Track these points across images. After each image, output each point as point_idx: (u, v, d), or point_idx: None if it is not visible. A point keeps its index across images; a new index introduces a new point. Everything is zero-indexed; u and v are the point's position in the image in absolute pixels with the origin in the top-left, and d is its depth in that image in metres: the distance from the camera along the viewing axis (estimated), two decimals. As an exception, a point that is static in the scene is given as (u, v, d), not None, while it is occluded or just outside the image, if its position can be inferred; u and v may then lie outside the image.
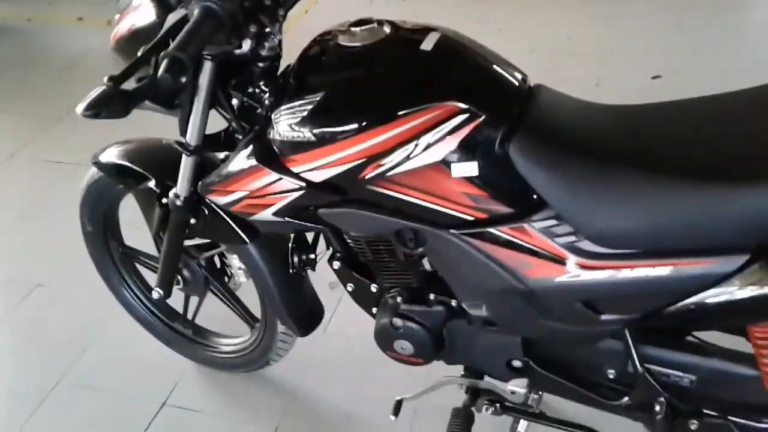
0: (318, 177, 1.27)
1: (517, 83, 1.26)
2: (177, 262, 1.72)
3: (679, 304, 1.15)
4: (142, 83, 1.29)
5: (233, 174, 1.35)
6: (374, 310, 1.55)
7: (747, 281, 1.08)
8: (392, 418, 1.60)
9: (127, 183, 1.68)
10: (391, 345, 1.50)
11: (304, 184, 1.29)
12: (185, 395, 1.99)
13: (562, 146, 1.19)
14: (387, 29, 1.27)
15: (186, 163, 1.50)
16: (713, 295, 1.12)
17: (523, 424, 1.56)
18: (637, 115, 1.24)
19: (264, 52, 1.32)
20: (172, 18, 1.21)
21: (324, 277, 1.68)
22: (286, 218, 1.36)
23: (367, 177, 1.24)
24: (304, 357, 1.98)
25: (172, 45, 1.09)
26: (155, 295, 1.75)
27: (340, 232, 1.47)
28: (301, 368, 2.00)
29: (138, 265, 2.03)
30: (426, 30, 1.28)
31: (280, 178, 1.29)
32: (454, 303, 1.42)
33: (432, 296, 1.44)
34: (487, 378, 1.54)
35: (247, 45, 1.29)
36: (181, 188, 1.53)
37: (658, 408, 1.31)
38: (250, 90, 1.37)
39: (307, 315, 1.73)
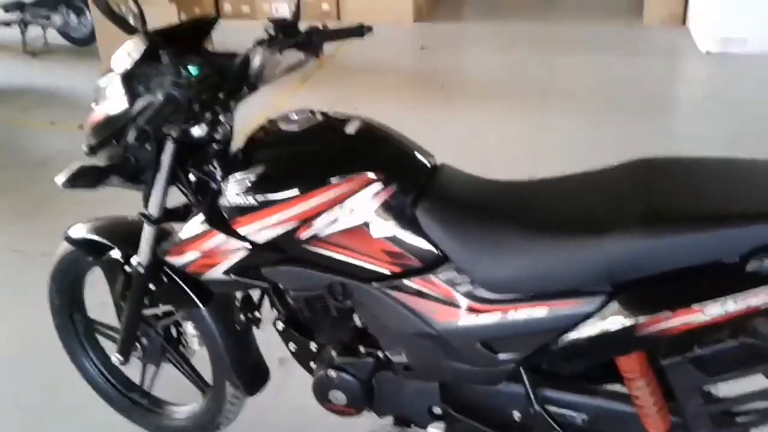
0: (260, 238, 1.51)
1: (424, 160, 1.53)
2: (136, 327, 1.90)
3: (558, 341, 1.38)
4: (109, 165, 1.55)
5: (188, 237, 1.58)
6: (311, 367, 1.74)
7: (605, 317, 1.32)
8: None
9: (94, 254, 1.88)
10: (326, 396, 1.68)
11: (249, 245, 1.52)
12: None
13: (460, 211, 1.45)
14: (319, 117, 1.55)
15: (147, 233, 1.71)
16: (581, 332, 1.35)
17: None
18: (520, 188, 1.51)
19: (218, 136, 1.58)
20: (140, 103, 1.47)
21: (268, 341, 1.87)
22: (234, 276, 1.58)
23: (301, 237, 1.48)
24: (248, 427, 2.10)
25: (140, 119, 1.34)
26: (114, 360, 1.93)
27: (281, 293, 1.70)
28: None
29: (99, 338, 2.19)
30: (350, 118, 1.56)
31: (228, 240, 1.52)
32: (381, 354, 1.63)
33: (362, 349, 1.64)
34: (414, 428, 1.72)
35: (203, 129, 1.55)
36: (142, 256, 1.74)
37: None
38: (205, 168, 1.62)
39: (253, 374, 1.90)
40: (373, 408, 1.70)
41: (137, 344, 1.95)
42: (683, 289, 1.26)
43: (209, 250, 1.56)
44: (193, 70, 1.47)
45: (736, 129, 3.99)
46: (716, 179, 1.38)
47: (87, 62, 5.78)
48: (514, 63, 5.34)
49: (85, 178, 1.52)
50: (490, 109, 4.44)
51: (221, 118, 1.56)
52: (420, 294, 1.46)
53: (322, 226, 1.46)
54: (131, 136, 1.32)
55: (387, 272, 1.47)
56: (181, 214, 1.72)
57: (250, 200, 1.48)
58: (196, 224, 1.57)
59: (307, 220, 1.46)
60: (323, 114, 1.57)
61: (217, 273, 1.58)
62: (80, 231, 1.91)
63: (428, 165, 1.53)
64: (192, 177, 1.63)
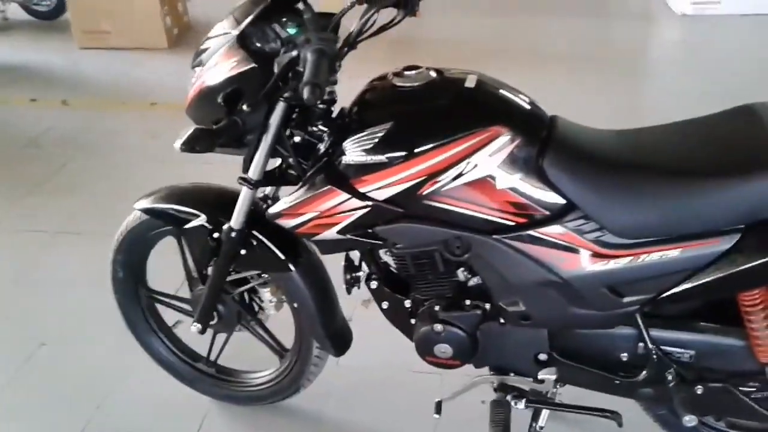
0: (382, 195, 1.50)
1: (541, 112, 1.56)
2: (220, 295, 1.88)
3: (689, 280, 1.44)
4: (222, 125, 1.52)
5: (305, 198, 1.56)
6: (410, 323, 1.75)
7: (742, 253, 1.38)
8: (435, 416, 1.78)
9: (175, 223, 1.84)
10: (431, 350, 1.70)
11: (369, 203, 1.51)
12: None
13: (587, 159, 1.48)
14: (433, 73, 1.55)
15: (245, 197, 1.69)
16: (715, 270, 1.41)
17: (543, 415, 1.77)
18: (637, 135, 1.55)
19: (326, 97, 1.57)
20: (279, 61, 1.45)
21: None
22: (349, 236, 1.57)
23: (424, 193, 1.49)
24: (318, 388, 2.10)
25: (307, 76, 1.31)
26: (193, 329, 1.91)
27: (374, 252, 1.70)
28: (316, 398, 2.12)
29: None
30: (465, 73, 1.56)
31: (350, 198, 1.52)
32: (487, 306, 1.66)
33: (468, 302, 1.67)
34: (512, 376, 1.76)
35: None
36: (236, 221, 1.72)
37: (670, 378, 1.57)
38: (310, 129, 1.60)
39: (341, 335, 1.91)
40: (474, 359, 1.73)
41: (213, 313, 1.93)
42: None
43: (327, 210, 1.55)
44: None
45: (713, 84, 4.13)
46: None
47: (55, 36, 5.54)
48: (491, 26, 5.37)
49: (202, 142, 1.49)
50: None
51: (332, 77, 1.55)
52: (545, 243, 1.48)
53: (446, 180, 1.47)
54: (307, 93, 1.29)
55: (511, 223, 1.49)
56: (277, 178, 1.70)
57: (379, 158, 1.48)
58: (313, 184, 1.55)
59: (432, 176, 1.47)
60: (436, 70, 1.56)
61: (331, 233, 1.57)
62: (158, 200, 1.87)
63: (546, 117, 1.55)
64: (297, 139, 1.61)
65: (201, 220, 1.80)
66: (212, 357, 2.10)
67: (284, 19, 1.57)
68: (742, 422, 1.73)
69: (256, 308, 1.99)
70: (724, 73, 4.34)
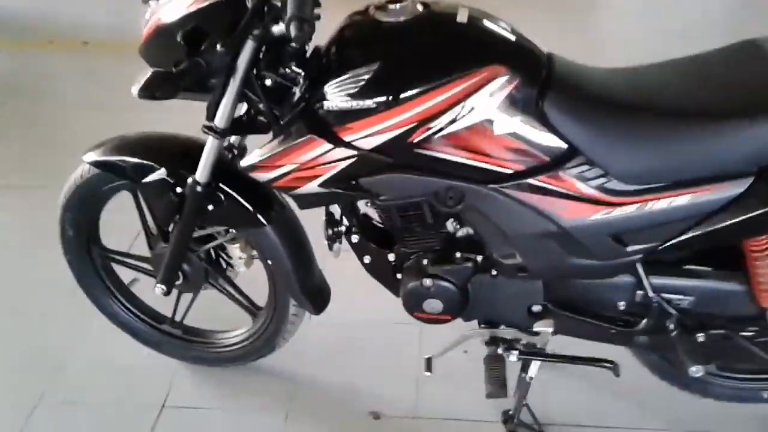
0: (369, 144, 1.36)
1: (539, 51, 1.43)
2: (185, 254, 1.73)
3: (696, 228, 1.37)
4: (184, 67, 1.34)
5: (282, 149, 1.41)
6: (393, 277, 1.65)
7: (756, 198, 1.31)
8: (426, 374, 1.71)
9: (132, 177, 1.66)
10: (420, 306, 1.60)
11: (355, 153, 1.37)
12: (183, 394, 1.97)
13: (589, 100, 1.37)
14: (420, 6, 1.39)
15: (211, 147, 1.52)
16: (726, 215, 1.34)
17: (535, 365, 1.71)
18: (639, 73, 1.45)
19: (300, 34, 1.39)
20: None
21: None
22: (331, 189, 1.44)
23: (415, 140, 1.36)
24: (292, 346, 2.00)
25: (292, 10, 1.15)
26: (157, 290, 1.76)
27: (356, 206, 1.58)
28: (290, 357, 2.02)
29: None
30: (454, 6, 1.41)
31: (333, 148, 1.37)
32: (479, 258, 1.56)
33: (458, 255, 1.57)
34: (503, 328, 1.68)
35: (283, 26, 1.36)
36: (201, 174, 1.56)
37: (671, 326, 1.52)
38: (282, 71, 1.44)
39: (319, 292, 1.79)
40: (464, 313, 1.65)
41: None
42: None
43: (308, 162, 1.40)
44: None
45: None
46: None
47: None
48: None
49: (163, 87, 1.31)
50: None
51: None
52: (545, 192, 1.38)
53: (439, 127, 1.34)
54: (294, 29, 1.12)
55: (509, 171, 1.38)
56: (245, 126, 1.54)
57: (365, 103, 1.33)
58: (291, 133, 1.40)
59: (424, 122, 1.34)
60: (422, 3, 1.41)
61: (312, 186, 1.43)
62: (110, 151, 1.68)
63: (544, 55, 1.43)
64: (268, 82, 1.44)
65: (161, 173, 1.62)
66: (177, 318, 1.96)
67: None
68: (738, 366, 1.72)
69: (224, 265, 1.85)
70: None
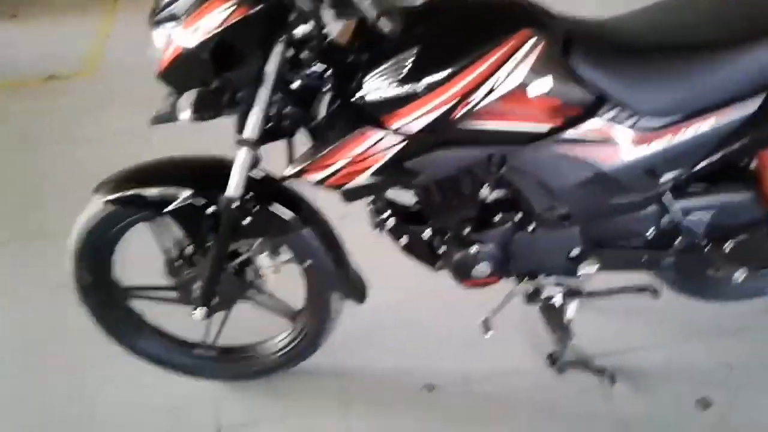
0: (417, 127, 1.40)
1: (551, 12, 1.50)
2: (221, 272, 1.71)
3: (719, 149, 1.49)
4: (220, 83, 1.33)
5: (332, 147, 1.42)
6: (431, 253, 1.70)
7: (765, 116, 1.44)
8: (487, 336, 1.77)
9: (157, 207, 1.62)
10: (469, 273, 1.67)
11: (403, 137, 1.41)
12: (235, 414, 1.94)
13: (609, 49, 1.46)
14: None
15: (244, 160, 1.51)
16: (742, 134, 1.48)
17: (572, 308, 1.81)
18: (646, 15, 1.55)
19: (320, 32, 1.40)
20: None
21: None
22: (381, 177, 1.46)
23: (457, 116, 1.40)
24: (332, 340, 2.01)
25: (373, 5, 1.15)
26: (198, 315, 1.74)
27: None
28: (332, 351, 2.00)
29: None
30: None
31: (384, 136, 1.40)
32: (517, 217, 1.63)
33: (497, 217, 1.63)
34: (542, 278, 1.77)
35: (309, 26, 1.37)
36: (235, 189, 1.54)
37: (703, 242, 1.65)
38: (308, 71, 1.44)
39: (360, 281, 1.82)
40: (507, 271, 1.72)
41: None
42: None
43: (361, 154, 1.42)
44: None
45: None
46: None
47: None
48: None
49: (210, 106, 1.30)
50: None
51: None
52: (584, 141, 1.47)
53: (479, 99, 1.39)
54: (388, 23, 1.13)
55: (547, 128, 1.45)
56: (273, 133, 1.52)
57: (414, 87, 1.36)
58: (339, 129, 1.41)
59: (465, 96, 1.38)
60: None
61: (365, 177, 1.45)
62: (123, 186, 1.63)
63: (557, 13, 1.50)
64: (295, 84, 1.44)
65: (188, 197, 1.59)
66: (211, 339, 1.93)
67: None
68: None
69: (253, 277, 1.84)
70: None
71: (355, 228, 1.80)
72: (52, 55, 3.81)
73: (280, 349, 1.95)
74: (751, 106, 1.46)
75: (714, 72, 1.43)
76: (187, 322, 1.83)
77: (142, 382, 2.01)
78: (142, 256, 1.76)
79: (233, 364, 1.99)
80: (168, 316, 1.90)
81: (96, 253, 1.76)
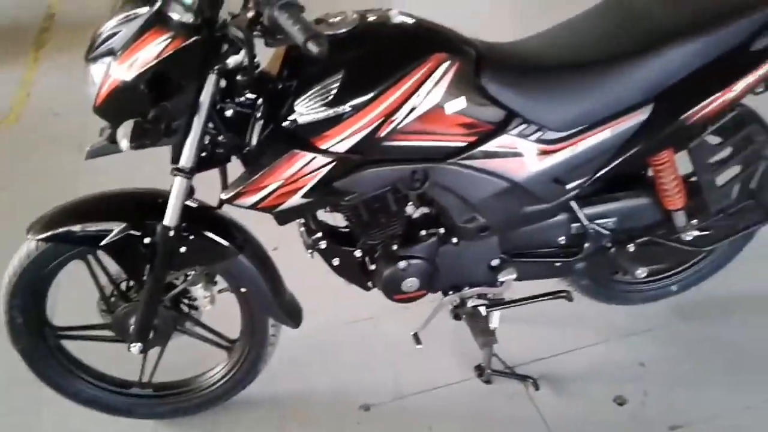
0: (344, 147, 1.50)
1: (465, 37, 1.65)
2: (158, 303, 1.73)
3: (616, 156, 1.67)
4: (156, 112, 1.40)
5: (265, 170, 1.50)
6: (362, 273, 1.79)
7: (659, 119, 1.63)
8: (418, 347, 1.86)
9: (92, 242, 1.64)
10: (398, 288, 1.76)
11: (333, 158, 1.50)
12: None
13: (515, 70, 1.61)
14: (354, 15, 1.55)
15: (180, 189, 1.56)
16: (636, 142, 1.66)
17: (495, 317, 1.93)
18: (544, 38, 1.73)
19: (250, 63, 1.49)
20: (237, 26, 1.36)
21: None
22: (312, 198, 1.55)
23: (382, 135, 1.52)
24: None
25: (302, 31, 1.24)
26: (135, 350, 1.75)
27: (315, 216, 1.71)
28: (268, 377, 2.03)
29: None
30: (381, 11, 1.59)
31: (315, 157, 1.49)
32: (441, 230, 1.75)
33: (423, 232, 1.75)
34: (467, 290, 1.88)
35: (240, 56, 1.46)
36: (172, 218, 1.58)
37: (609, 244, 1.81)
38: (239, 99, 1.52)
39: (295, 305, 1.88)
40: (434, 285, 1.83)
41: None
42: (712, 79, 1.62)
43: (292, 176, 1.50)
44: None
45: None
46: None
47: None
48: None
49: (149, 134, 1.36)
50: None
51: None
52: (497, 155, 1.61)
53: (401, 117, 1.51)
54: (315, 47, 1.22)
55: (463, 144, 1.59)
56: (208, 161, 1.59)
57: (341, 109, 1.46)
58: (271, 153, 1.50)
59: (388, 116, 1.50)
60: (356, 12, 1.57)
61: (296, 198, 1.54)
62: (57, 223, 1.64)
63: (469, 39, 1.65)
64: (228, 113, 1.52)
65: (123, 229, 1.62)
66: (145, 378, 1.93)
67: None
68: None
69: (188, 309, 1.87)
70: None
71: (290, 256, 1.88)
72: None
73: (218, 381, 1.96)
74: (641, 116, 1.64)
75: (608, 86, 1.61)
76: (121, 361, 1.84)
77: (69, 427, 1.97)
78: (75, 297, 1.76)
79: (170, 400, 1.98)
80: (99, 356, 1.91)
81: (28, 293, 1.75)
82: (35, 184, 2.93)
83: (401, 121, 1.52)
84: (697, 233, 1.90)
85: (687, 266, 2.16)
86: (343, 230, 1.80)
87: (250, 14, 1.38)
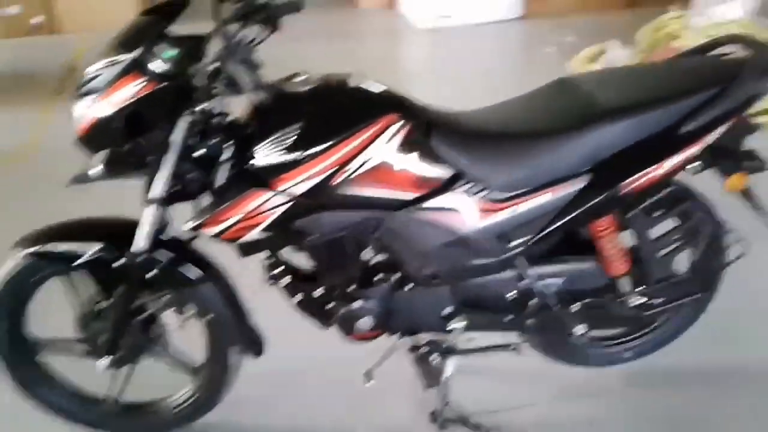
0: (300, 190, 1.66)
1: (417, 102, 1.82)
2: (127, 323, 1.88)
3: (556, 219, 1.80)
4: (131, 146, 1.59)
5: (227, 204, 1.66)
6: (323, 310, 1.92)
7: (594, 188, 1.77)
8: (368, 384, 1.97)
9: (69, 260, 1.80)
10: (353, 326, 1.89)
11: (289, 199, 1.66)
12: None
13: (463, 134, 1.78)
14: (317, 77, 1.74)
15: (151, 217, 1.73)
16: (574, 207, 1.79)
17: (450, 366, 2.04)
18: (493, 111, 1.89)
19: (219, 109, 1.68)
20: (202, 73, 1.55)
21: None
22: (271, 233, 1.70)
23: (336, 183, 1.68)
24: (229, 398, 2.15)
25: (250, 83, 1.42)
26: (103, 365, 1.90)
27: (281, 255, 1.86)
28: (229, 409, 2.16)
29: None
30: (342, 74, 1.78)
31: (272, 196, 1.65)
32: (395, 276, 1.89)
33: (378, 276, 1.88)
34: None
35: (214, 103, 1.65)
36: (141, 243, 1.75)
37: (552, 302, 1.92)
38: (209, 142, 1.70)
39: (257, 335, 2.01)
40: (389, 327, 1.95)
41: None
42: (644, 155, 1.76)
43: (251, 211, 1.66)
44: None
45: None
46: (627, 80, 1.91)
47: None
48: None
49: (124, 164, 1.54)
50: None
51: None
52: (444, 209, 1.76)
53: (353, 169, 1.67)
54: (256, 97, 1.40)
55: (412, 197, 1.74)
56: (179, 195, 1.76)
57: (295, 155, 1.63)
58: (233, 189, 1.66)
59: (341, 167, 1.66)
60: (316, 75, 1.75)
61: (255, 233, 1.69)
62: (39, 241, 1.82)
63: (421, 104, 1.82)
64: (198, 153, 1.70)
65: (98, 250, 1.78)
66: (114, 395, 2.06)
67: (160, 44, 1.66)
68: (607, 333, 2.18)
69: (157, 333, 2.01)
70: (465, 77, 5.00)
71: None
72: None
73: (181, 404, 2.08)
74: (579, 183, 1.77)
75: (549, 155, 1.76)
76: (95, 378, 1.98)
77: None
78: (55, 313, 1.92)
79: (136, 419, 2.11)
80: (77, 371, 2.05)
81: (11, 304, 1.91)
82: (34, 220, 3.12)
83: (354, 172, 1.68)
84: (641, 300, 2.00)
85: (640, 334, 2.25)
86: (307, 270, 1.95)
87: (213, 66, 1.57)
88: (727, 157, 1.87)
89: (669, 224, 1.96)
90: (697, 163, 1.83)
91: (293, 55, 5.26)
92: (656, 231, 1.96)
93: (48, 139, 4.14)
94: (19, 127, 4.34)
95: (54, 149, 3.80)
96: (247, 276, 1.97)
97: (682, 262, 2.06)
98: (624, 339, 2.26)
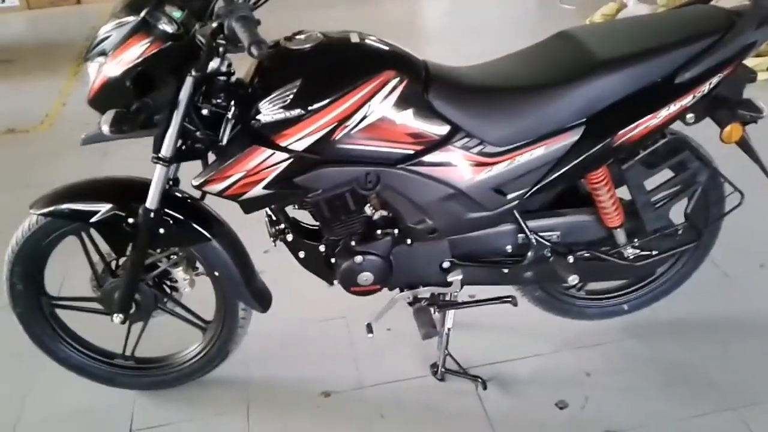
0: (301, 146, 1.71)
1: (416, 58, 1.85)
2: (139, 279, 1.95)
3: (552, 171, 1.84)
4: (138, 105, 1.64)
5: (230, 161, 1.72)
6: (326, 266, 1.98)
7: (588, 140, 1.80)
8: (370, 336, 2.04)
9: (84, 219, 1.87)
10: (354, 281, 1.95)
11: (291, 155, 1.71)
12: (147, 418, 2.14)
13: (461, 89, 1.81)
14: (319, 35, 1.77)
15: (160, 176, 1.79)
16: (569, 159, 1.82)
17: (450, 316, 2.10)
18: (492, 65, 1.92)
19: (224, 68, 1.72)
20: (202, 33, 1.59)
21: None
22: (274, 190, 1.76)
23: (336, 138, 1.72)
24: (236, 356, 2.24)
25: (249, 37, 1.46)
26: (117, 320, 1.97)
27: (285, 211, 1.92)
28: (238, 361, 2.25)
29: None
30: (344, 32, 1.81)
31: (273, 153, 1.70)
32: (395, 231, 1.94)
33: (378, 231, 1.93)
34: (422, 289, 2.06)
35: (217, 62, 1.69)
36: (152, 200, 1.81)
37: (549, 254, 1.97)
38: (215, 101, 1.75)
39: (264, 291, 2.07)
40: (390, 281, 2.01)
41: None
42: (638, 105, 1.79)
43: (253, 168, 1.71)
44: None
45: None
46: (625, 31, 1.93)
47: None
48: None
49: (127, 122, 1.59)
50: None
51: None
52: (441, 163, 1.80)
53: (353, 124, 1.72)
54: (256, 51, 1.44)
55: (411, 152, 1.78)
56: (185, 153, 1.82)
57: (296, 111, 1.68)
58: (236, 147, 1.71)
59: (341, 122, 1.71)
60: (318, 32, 1.79)
61: (258, 189, 1.75)
62: (55, 201, 1.88)
63: (420, 60, 1.85)
64: (204, 112, 1.75)
65: (110, 209, 1.85)
66: (128, 351, 2.14)
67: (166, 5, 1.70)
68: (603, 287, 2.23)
69: (169, 290, 2.08)
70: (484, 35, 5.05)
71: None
72: (15, 112, 4.28)
73: (193, 358, 2.16)
74: (573, 136, 1.81)
75: (543, 108, 1.79)
76: (109, 334, 2.06)
77: (58, 389, 2.21)
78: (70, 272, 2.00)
79: (150, 372, 2.19)
80: (92, 329, 2.13)
81: (28, 263, 1.98)
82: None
83: (353, 128, 1.72)
84: (637, 252, 2.05)
85: (638, 287, 2.30)
86: (310, 226, 2.00)
87: (215, 24, 1.61)
88: (723, 107, 1.89)
89: (665, 175, 2.00)
90: (691, 114, 1.85)
91: (311, 21, 5.36)
92: (653, 182, 1.99)
93: (70, 108, 4.24)
94: (44, 96, 4.43)
95: (77, 118, 3.91)
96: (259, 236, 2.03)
97: (680, 215, 2.09)
98: (622, 292, 2.31)
